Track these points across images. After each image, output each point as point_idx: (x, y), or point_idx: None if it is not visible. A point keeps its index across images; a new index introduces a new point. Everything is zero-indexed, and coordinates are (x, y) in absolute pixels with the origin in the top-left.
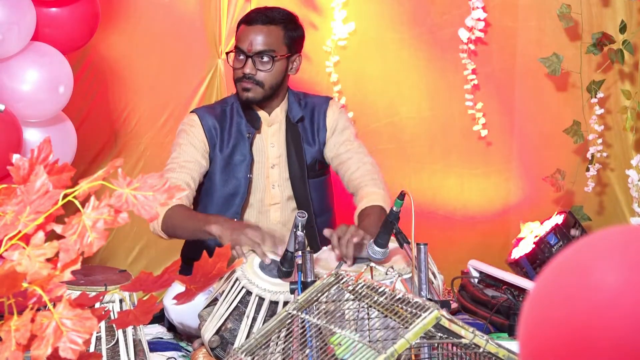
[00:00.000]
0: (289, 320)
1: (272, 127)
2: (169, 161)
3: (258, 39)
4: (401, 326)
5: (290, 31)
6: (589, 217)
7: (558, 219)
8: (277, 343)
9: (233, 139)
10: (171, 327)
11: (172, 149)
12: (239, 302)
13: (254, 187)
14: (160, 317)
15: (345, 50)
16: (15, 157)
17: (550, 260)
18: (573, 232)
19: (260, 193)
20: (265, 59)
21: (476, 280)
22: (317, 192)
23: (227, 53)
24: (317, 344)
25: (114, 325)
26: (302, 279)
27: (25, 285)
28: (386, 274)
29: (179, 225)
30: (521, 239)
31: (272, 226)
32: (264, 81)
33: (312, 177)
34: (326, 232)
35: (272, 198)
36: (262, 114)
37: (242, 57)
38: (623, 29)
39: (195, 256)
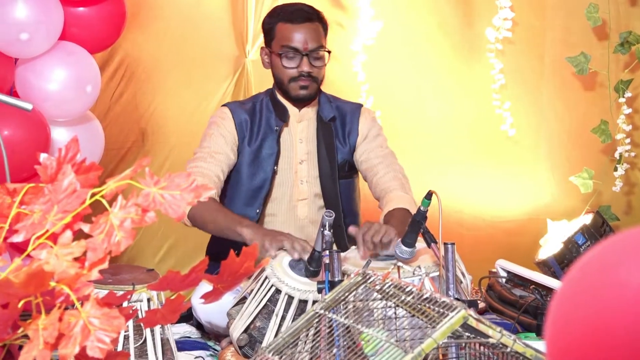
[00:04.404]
0: (317, 320)
1: (302, 123)
2: (198, 149)
3: (310, 36)
4: (428, 326)
5: (325, 27)
6: (617, 217)
7: (586, 218)
8: (304, 342)
9: (262, 133)
10: (199, 326)
11: (202, 138)
12: (268, 301)
13: (279, 180)
14: (188, 316)
15: (373, 50)
16: (43, 156)
17: (577, 259)
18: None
19: (287, 188)
20: (320, 54)
21: (504, 279)
22: (346, 192)
23: (271, 53)
24: (345, 343)
25: (142, 324)
26: (330, 278)
27: (52, 284)
28: (413, 273)
29: (210, 219)
30: (549, 238)
31: (299, 222)
32: (318, 76)
33: (342, 178)
34: (351, 229)
35: (300, 194)
36: (291, 109)
37: (295, 55)
38: None
39: (223, 255)
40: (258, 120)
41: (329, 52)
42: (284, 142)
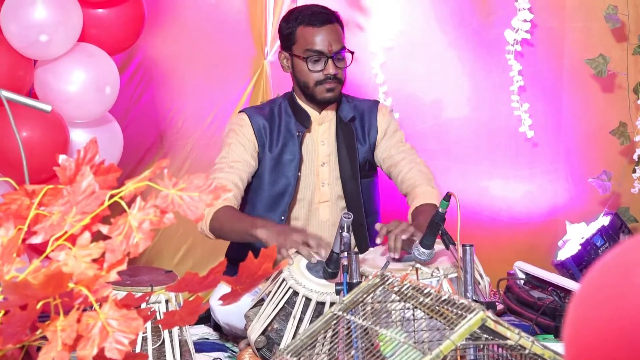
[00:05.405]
0: (335, 321)
1: (323, 126)
2: (218, 160)
3: (333, 38)
4: (447, 327)
5: (343, 27)
6: (635, 219)
7: (604, 220)
8: (322, 344)
9: (282, 138)
10: (217, 328)
11: (221, 147)
12: (285, 303)
13: (302, 184)
14: (206, 318)
15: (392, 52)
16: (62, 158)
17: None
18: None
19: (309, 191)
20: (344, 56)
21: (522, 281)
22: (367, 192)
23: (293, 57)
24: (363, 344)
25: (160, 326)
26: (348, 280)
27: (71, 285)
28: (432, 275)
29: (226, 228)
30: (567, 240)
31: (321, 224)
32: (342, 78)
33: (362, 177)
34: (377, 225)
35: (321, 196)
36: (312, 112)
37: (320, 59)
38: None
39: (241, 257)
40: (277, 126)
41: (352, 52)
42: (305, 146)
